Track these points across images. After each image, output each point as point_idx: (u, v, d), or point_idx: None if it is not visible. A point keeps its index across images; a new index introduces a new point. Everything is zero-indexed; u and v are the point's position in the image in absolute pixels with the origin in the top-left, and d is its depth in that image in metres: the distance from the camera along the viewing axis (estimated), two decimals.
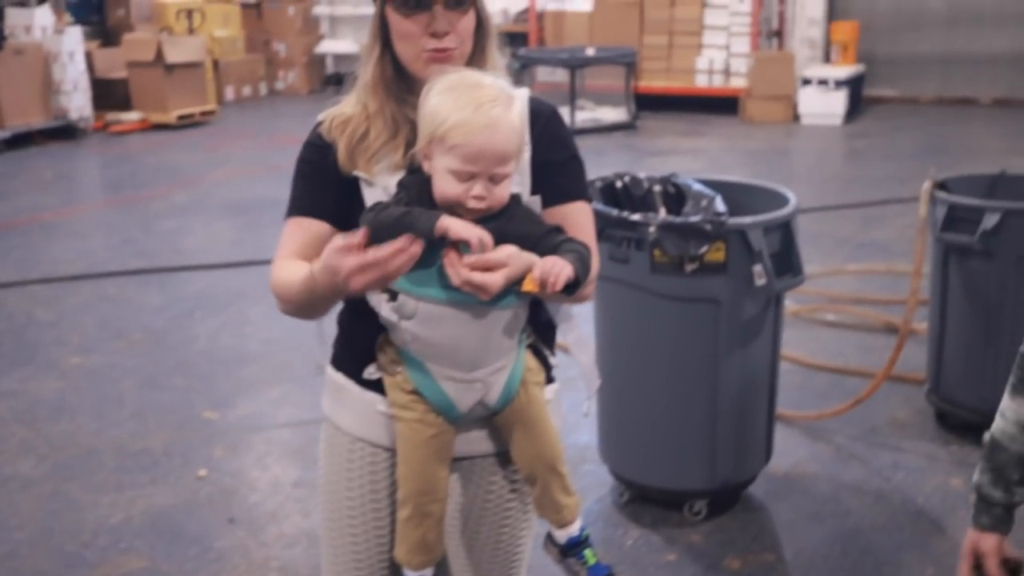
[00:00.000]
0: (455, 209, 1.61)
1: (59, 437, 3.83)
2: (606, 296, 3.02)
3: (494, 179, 1.59)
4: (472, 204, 1.59)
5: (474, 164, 1.57)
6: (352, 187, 1.73)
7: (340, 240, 1.54)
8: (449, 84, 1.62)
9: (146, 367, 4.49)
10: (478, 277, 1.53)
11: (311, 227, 1.77)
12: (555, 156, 1.77)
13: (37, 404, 4.13)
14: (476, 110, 1.57)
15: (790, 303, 4.54)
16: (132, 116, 10.91)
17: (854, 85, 10.79)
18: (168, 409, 4.05)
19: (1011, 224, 3.24)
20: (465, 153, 1.57)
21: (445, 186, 1.60)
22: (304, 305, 1.73)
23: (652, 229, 2.80)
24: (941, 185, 3.51)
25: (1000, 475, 1.67)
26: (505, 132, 1.59)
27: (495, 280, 1.54)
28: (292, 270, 1.72)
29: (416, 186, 1.64)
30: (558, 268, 1.55)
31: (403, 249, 1.50)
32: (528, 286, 1.56)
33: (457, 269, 1.54)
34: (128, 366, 4.50)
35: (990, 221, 3.24)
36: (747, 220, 2.83)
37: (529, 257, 1.59)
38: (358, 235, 1.53)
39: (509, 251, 1.57)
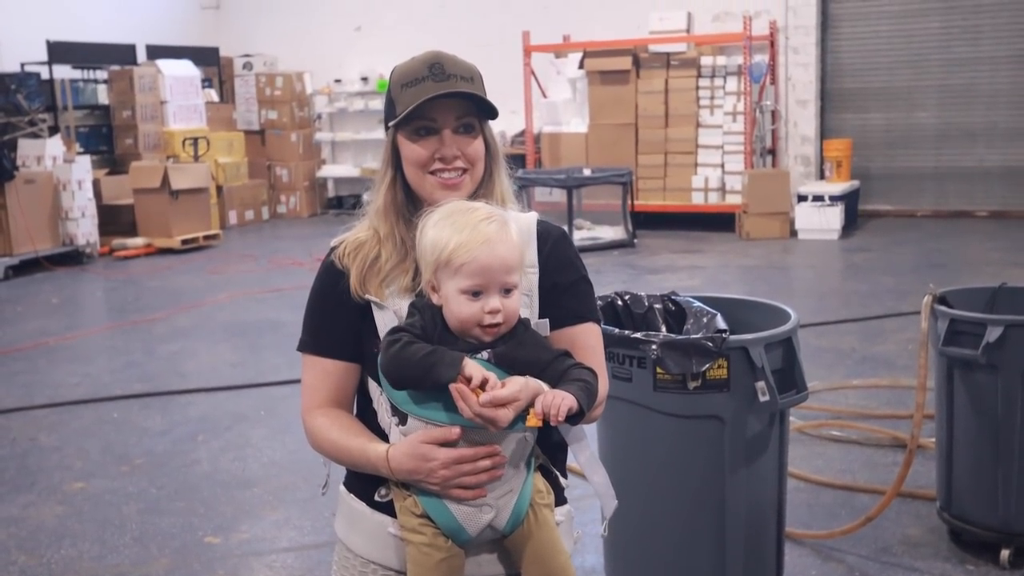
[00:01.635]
0: (471, 331, 1.64)
1: (60, 564, 3.77)
2: (609, 414, 2.99)
3: (504, 291, 1.63)
4: (488, 320, 1.62)
5: (482, 277, 1.62)
6: (364, 312, 1.76)
7: (434, 432, 1.62)
8: (441, 215, 1.68)
9: (148, 491, 4.44)
10: (489, 412, 1.55)
11: (335, 370, 1.80)
12: (563, 278, 1.81)
13: (39, 531, 4.08)
14: (473, 230, 1.63)
15: (795, 419, 4.52)
16: (137, 241, 11.07)
17: (849, 200, 10.96)
18: (170, 534, 4.00)
19: (1014, 337, 3.25)
20: (472, 269, 1.61)
21: (459, 308, 1.63)
22: (345, 466, 1.82)
23: (654, 347, 2.81)
24: (941, 299, 3.52)
25: None
26: (506, 244, 1.64)
27: (506, 414, 1.56)
28: (344, 439, 1.76)
29: (429, 309, 1.67)
30: (559, 400, 1.58)
31: (494, 454, 1.61)
32: (532, 421, 1.59)
33: (468, 402, 1.55)
34: (130, 491, 4.46)
35: (993, 334, 3.24)
36: (749, 337, 2.84)
37: (537, 385, 1.61)
38: (453, 431, 1.60)
39: (520, 385, 1.59)
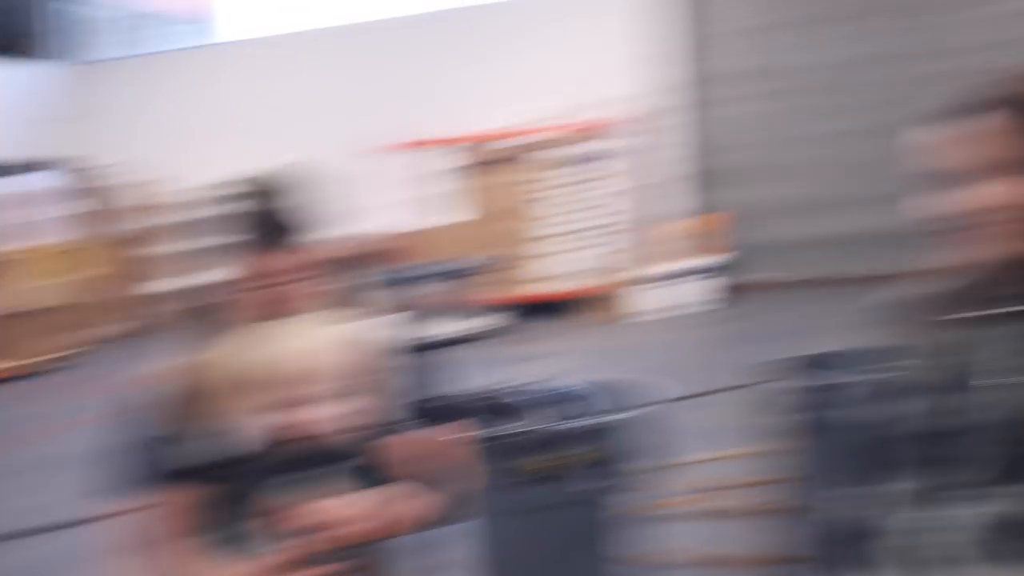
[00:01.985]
0: (282, 449, 1.56)
1: None
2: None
3: (310, 402, 1.55)
4: (291, 433, 1.54)
5: (277, 391, 1.55)
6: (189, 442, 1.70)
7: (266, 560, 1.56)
8: (240, 337, 1.64)
9: None
10: (322, 541, 1.55)
11: (173, 502, 1.73)
12: (407, 383, 1.85)
13: None
14: (266, 346, 1.58)
15: (674, 494, 4.41)
16: None
17: (720, 273, 11.10)
18: None
19: (875, 395, 3.20)
20: (265, 386, 1.55)
21: (263, 427, 1.56)
22: None
23: (509, 441, 2.78)
24: (807, 363, 3.65)
25: None
26: (304, 355, 1.57)
27: (343, 535, 1.55)
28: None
29: (242, 444, 1.61)
30: (405, 512, 1.60)
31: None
32: (374, 536, 1.58)
33: (299, 543, 1.57)
34: None
35: (854, 394, 3.25)
36: (583, 423, 2.83)
37: (376, 498, 1.58)
38: (285, 557, 1.55)
39: (353, 505, 1.55)
